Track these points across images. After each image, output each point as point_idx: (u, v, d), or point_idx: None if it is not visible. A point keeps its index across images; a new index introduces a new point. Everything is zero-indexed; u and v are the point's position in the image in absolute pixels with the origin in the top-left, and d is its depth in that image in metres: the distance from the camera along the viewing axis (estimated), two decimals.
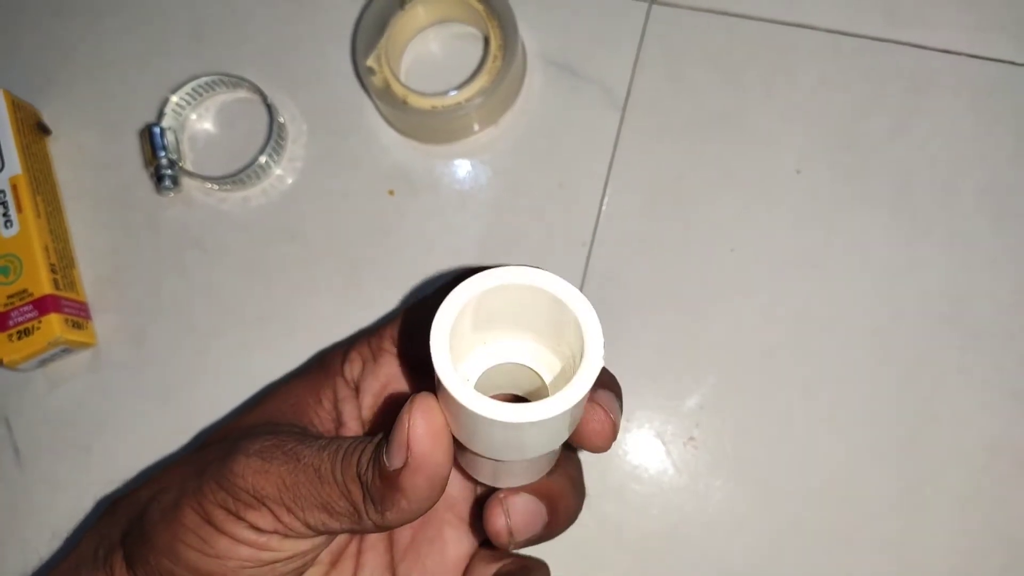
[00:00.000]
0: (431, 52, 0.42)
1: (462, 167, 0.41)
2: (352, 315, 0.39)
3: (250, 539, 0.24)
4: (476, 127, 0.40)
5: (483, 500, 0.27)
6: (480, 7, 0.39)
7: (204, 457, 0.26)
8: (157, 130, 0.40)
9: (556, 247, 0.39)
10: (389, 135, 0.41)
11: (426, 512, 0.23)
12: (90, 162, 0.43)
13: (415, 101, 0.38)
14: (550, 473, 0.27)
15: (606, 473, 0.37)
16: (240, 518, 0.24)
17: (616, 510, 0.37)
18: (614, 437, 0.25)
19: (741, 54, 0.40)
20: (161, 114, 0.41)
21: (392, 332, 0.30)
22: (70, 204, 0.42)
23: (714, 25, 0.40)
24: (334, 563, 0.30)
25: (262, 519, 0.24)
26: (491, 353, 0.24)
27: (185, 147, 0.42)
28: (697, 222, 0.39)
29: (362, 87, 0.41)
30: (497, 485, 0.27)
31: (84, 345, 0.40)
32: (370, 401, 0.30)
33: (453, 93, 0.38)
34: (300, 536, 0.24)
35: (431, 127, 0.40)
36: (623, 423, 0.37)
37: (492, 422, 0.20)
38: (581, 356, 0.21)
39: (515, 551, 0.29)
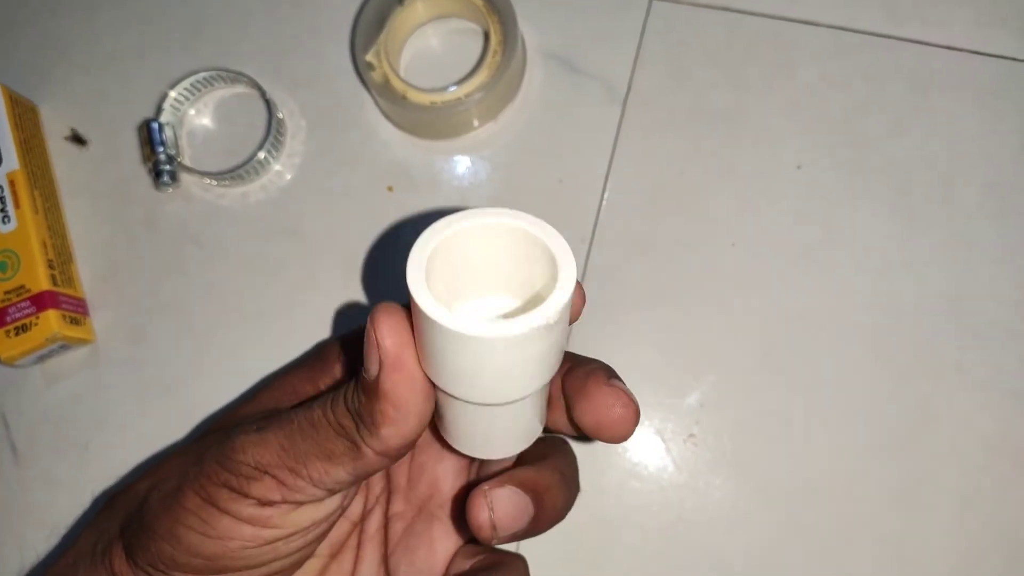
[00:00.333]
0: (431, 47, 0.42)
1: (462, 163, 0.40)
2: (350, 311, 0.39)
3: (252, 516, 0.24)
4: (476, 123, 0.40)
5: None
6: (480, 2, 0.39)
7: (203, 445, 0.26)
8: (155, 125, 0.40)
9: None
10: (388, 131, 0.41)
11: (419, 428, 0.23)
12: (88, 158, 0.42)
13: (415, 97, 0.38)
14: (538, 465, 0.27)
15: (606, 470, 0.37)
16: (244, 494, 0.24)
17: (616, 507, 0.37)
18: (637, 421, 0.24)
19: (742, 50, 0.40)
20: (159, 109, 0.41)
21: (332, 351, 0.30)
22: (68, 200, 0.42)
23: (715, 21, 0.40)
24: (334, 555, 0.30)
25: (266, 488, 0.24)
26: (471, 309, 0.24)
27: (183, 143, 0.42)
28: (697, 218, 0.39)
29: (361, 82, 0.41)
30: (481, 454, 0.26)
31: (82, 341, 0.40)
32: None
33: (453, 89, 0.38)
34: (307, 499, 0.24)
35: (431, 123, 0.39)
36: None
37: (467, 339, 0.20)
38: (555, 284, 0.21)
39: (500, 546, 0.29)
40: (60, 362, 0.40)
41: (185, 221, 0.41)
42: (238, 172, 0.40)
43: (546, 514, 0.26)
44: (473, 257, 0.23)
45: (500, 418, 0.24)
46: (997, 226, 0.37)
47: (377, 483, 0.31)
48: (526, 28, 0.40)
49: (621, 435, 0.25)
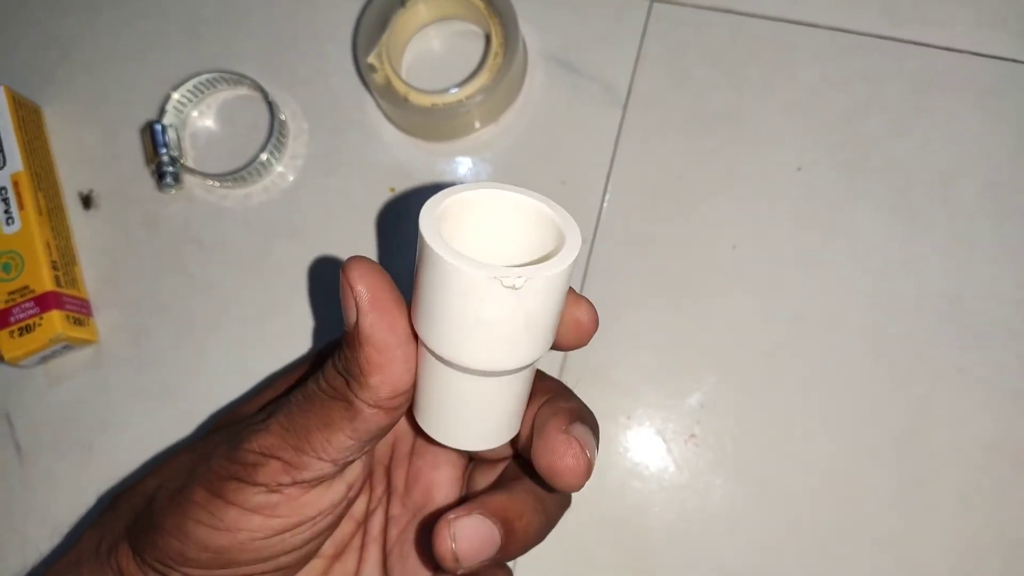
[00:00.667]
0: (432, 49, 0.42)
1: (463, 164, 0.41)
2: None
3: (260, 504, 0.24)
4: (477, 124, 0.40)
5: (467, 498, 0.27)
6: (481, 4, 0.39)
7: (210, 442, 0.27)
8: (158, 127, 0.40)
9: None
10: (390, 132, 0.41)
11: (406, 373, 0.23)
12: (91, 159, 0.43)
13: (416, 98, 0.38)
14: (514, 487, 0.26)
15: (607, 471, 0.37)
16: (252, 483, 0.24)
17: (617, 507, 0.37)
18: (588, 475, 0.24)
19: (742, 51, 0.40)
20: (162, 111, 0.41)
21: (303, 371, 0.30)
22: (71, 201, 0.42)
23: (715, 22, 0.40)
24: (338, 555, 0.30)
25: (273, 472, 0.24)
26: None
27: (186, 144, 0.42)
28: (698, 219, 0.39)
29: (363, 84, 0.41)
30: (456, 442, 0.25)
31: (85, 342, 0.40)
32: None
33: (454, 90, 0.38)
34: (315, 475, 0.24)
35: (432, 124, 0.40)
36: (623, 420, 0.37)
37: (464, 277, 0.20)
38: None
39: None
40: (63, 362, 0.41)
41: (188, 222, 0.41)
42: (240, 174, 0.40)
43: (516, 542, 0.25)
44: (483, 224, 0.23)
45: (480, 395, 0.24)
46: (997, 226, 0.38)
47: (380, 483, 0.31)
48: (527, 30, 0.41)
49: (569, 485, 0.24)
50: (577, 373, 0.38)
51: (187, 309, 0.40)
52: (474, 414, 0.24)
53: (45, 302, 0.38)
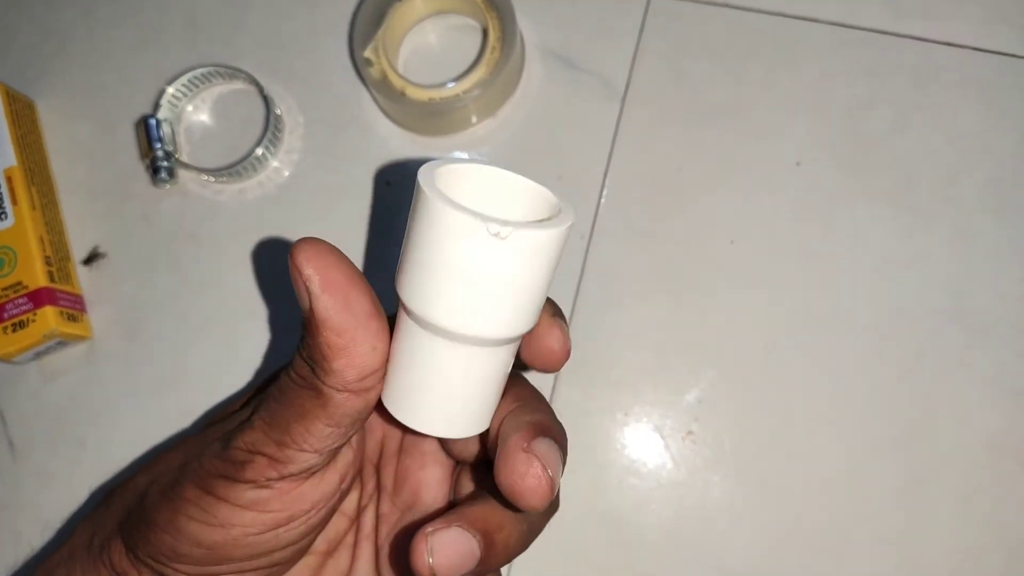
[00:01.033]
0: (429, 43, 0.42)
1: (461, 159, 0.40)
2: None
3: (252, 500, 0.24)
4: (474, 119, 0.40)
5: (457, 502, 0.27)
6: None
7: (201, 439, 0.26)
8: (153, 122, 0.40)
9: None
10: (387, 127, 0.41)
11: (370, 352, 0.22)
12: (85, 154, 0.42)
13: (413, 93, 0.38)
14: (490, 498, 0.25)
15: (605, 467, 0.37)
16: (242, 480, 0.24)
17: (614, 504, 0.37)
18: (550, 495, 0.23)
19: (741, 46, 0.40)
20: (157, 105, 0.41)
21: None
22: (65, 196, 0.42)
23: (714, 17, 0.40)
24: (331, 552, 0.30)
25: (259, 468, 0.24)
26: None
27: (181, 139, 0.42)
28: (696, 214, 0.39)
29: (360, 79, 0.41)
30: (427, 427, 0.24)
31: (79, 338, 0.40)
32: None
33: (451, 85, 0.38)
34: (301, 467, 0.24)
35: (429, 119, 0.39)
36: (621, 417, 0.37)
37: (431, 206, 0.20)
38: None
39: None
40: (57, 358, 0.40)
41: (182, 217, 0.41)
42: (236, 168, 0.40)
43: (496, 554, 0.24)
44: (478, 200, 0.23)
45: (449, 366, 0.23)
46: (999, 222, 0.37)
47: (370, 480, 0.30)
48: (524, 24, 0.40)
49: (530, 506, 0.23)
50: (574, 369, 0.37)
51: (181, 304, 0.40)
52: (441, 390, 0.23)
53: (39, 298, 0.38)
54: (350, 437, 0.25)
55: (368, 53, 0.39)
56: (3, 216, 0.39)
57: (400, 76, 0.38)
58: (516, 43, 0.38)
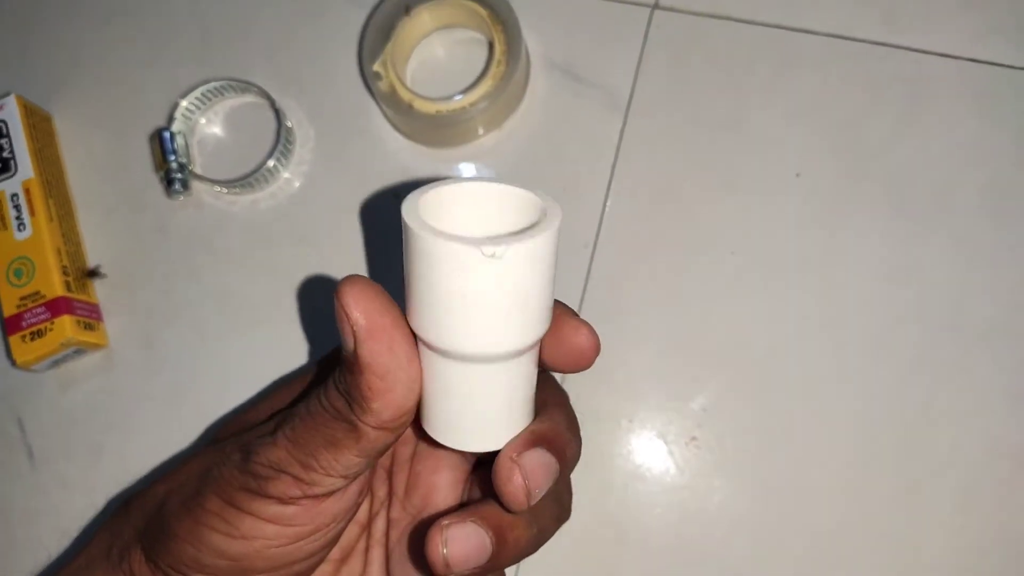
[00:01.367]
0: (436, 57, 0.42)
1: (467, 171, 0.41)
2: None
3: (275, 515, 0.24)
4: (481, 131, 0.41)
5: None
6: (484, 12, 0.40)
7: (221, 450, 0.27)
8: (167, 134, 0.41)
9: (559, 249, 0.39)
10: (395, 139, 0.41)
11: (409, 394, 0.23)
12: (101, 166, 0.43)
13: (420, 106, 0.39)
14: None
15: (609, 472, 0.37)
16: (264, 495, 0.24)
17: (619, 509, 0.37)
18: (526, 503, 0.24)
19: (742, 59, 0.40)
20: (171, 118, 0.42)
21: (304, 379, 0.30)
22: (82, 208, 0.43)
23: (716, 30, 0.41)
24: (344, 559, 0.30)
25: (284, 486, 0.24)
26: None
27: (195, 151, 0.43)
28: (699, 225, 0.39)
29: (368, 92, 0.42)
30: (463, 443, 0.25)
31: (96, 346, 0.40)
32: None
33: (458, 97, 0.39)
34: (324, 490, 0.24)
35: (436, 131, 0.40)
36: (625, 424, 0.37)
37: (423, 242, 0.20)
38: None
39: None
40: (74, 367, 0.41)
41: (196, 228, 0.42)
42: (248, 180, 0.41)
43: (507, 552, 0.25)
44: (464, 219, 0.23)
45: (473, 385, 0.24)
46: (996, 231, 0.38)
47: (381, 487, 0.31)
48: (530, 38, 0.41)
49: (510, 507, 0.24)
50: (580, 376, 0.38)
51: (196, 313, 0.41)
52: (469, 409, 0.24)
53: (56, 307, 0.39)
54: (374, 464, 0.25)
55: (377, 67, 0.40)
56: (21, 227, 0.40)
57: (408, 89, 0.39)
58: (521, 56, 0.39)
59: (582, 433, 0.28)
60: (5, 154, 0.41)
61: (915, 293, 0.38)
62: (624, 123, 0.40)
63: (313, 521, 0.25)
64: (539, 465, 0.24)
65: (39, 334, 0.39)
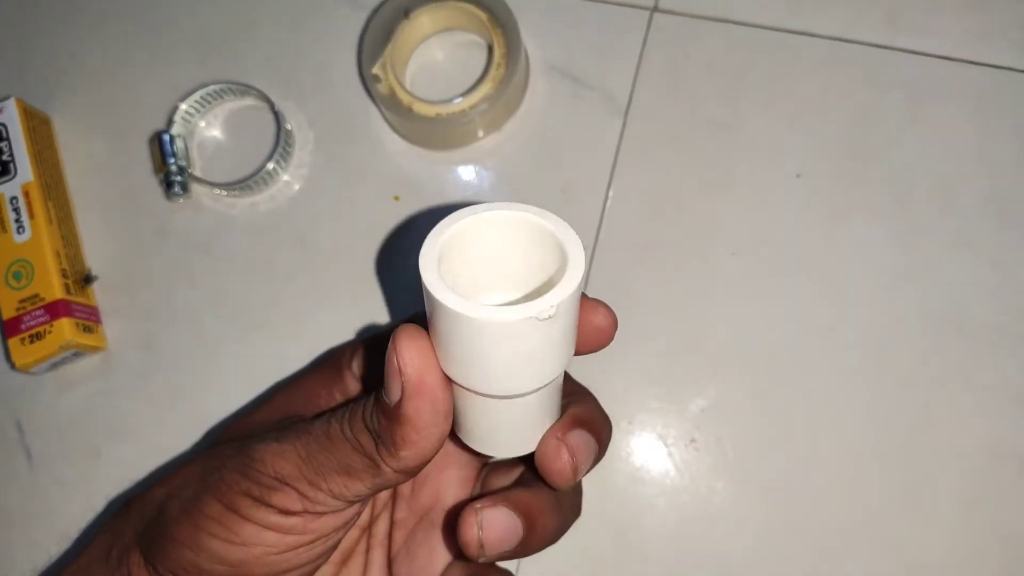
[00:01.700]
0: (436, 60, 0.42)
1: (466, 173, 0.41)
2: (359, 319, 0.40)
3: (276, 523, 0.24)
4: (480, 134, 0.41)
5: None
6: (484, 16, 0.40)
7: (221, 453, 0.27)
8: (167, 137, 0.41)
9: None
10: (395, 142, 0.41)
11: (438, 447, 0.23)
12: (100, 169, 0.43)
13: (420, 108, 0.39)
14: (536, 487, 0.27)
15: (609, 475, 0.37)
16: (266, 504, 0.24)
17: (618, 511, 0.37)
18: (574, 478, 0.25)
19: (742, 61, 0.40)
20: (170, 121, 0.42)
21: (354, 353, 0.30)
22: (81, 210, 0.43)
23: (715, 33, 0.41)
24: (344, 562, 0.30)
25: (288, 500, 0.24)
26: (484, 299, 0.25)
27: (194, 154, 0.43)
28: (698, 227, 0.39)
29: (368, 95, 0.42)
30: (490, 451, 0.26)
31: (95, 349, 0.40)
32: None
33: (458, 100, 0.39)
34: (327, 510, 0.25)
35: (436, 134, 0.40)
36: (625, 426, 0.37)
37: (463, 320, 0.20)
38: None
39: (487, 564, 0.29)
40: (73, 369, 0.41)
41: (195, 231, 0.42)
42: (247, 183, 0.41)
43: (536, 538, 0.26)
44: (485, 249, 0.23)
45: (508, 413, 0.25)
46: (997, 233, 0.38)
47: (384, 491, 0.31)
48: (529, 41, 0.41)
49: (557, 485, 0.25)
50: (579, 378, 0.38)
51: (195, 316, 0.41)
52: (508, 427, 0.25)
53: (55, 310, 0.39)
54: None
55: (376, 70, 0.40)
56: (21, 230, 0.40)
57: (408, 92, 0.39)
58: (521, 59, 0.39)
59: None
60: (4, 157, 0.41)
61: (915, 294, 0.38)
62: (623, 125, 0.40)
63: (314, 532, 0.25)
64: (582, 444, 0.26)
65: (38, 337, 0.39)
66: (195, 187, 0.42)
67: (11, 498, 0.40)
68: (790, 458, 0.37)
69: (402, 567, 0.30)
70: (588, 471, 0.27)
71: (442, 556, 0.30)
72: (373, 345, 0.31)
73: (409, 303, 0.40)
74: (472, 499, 0.26)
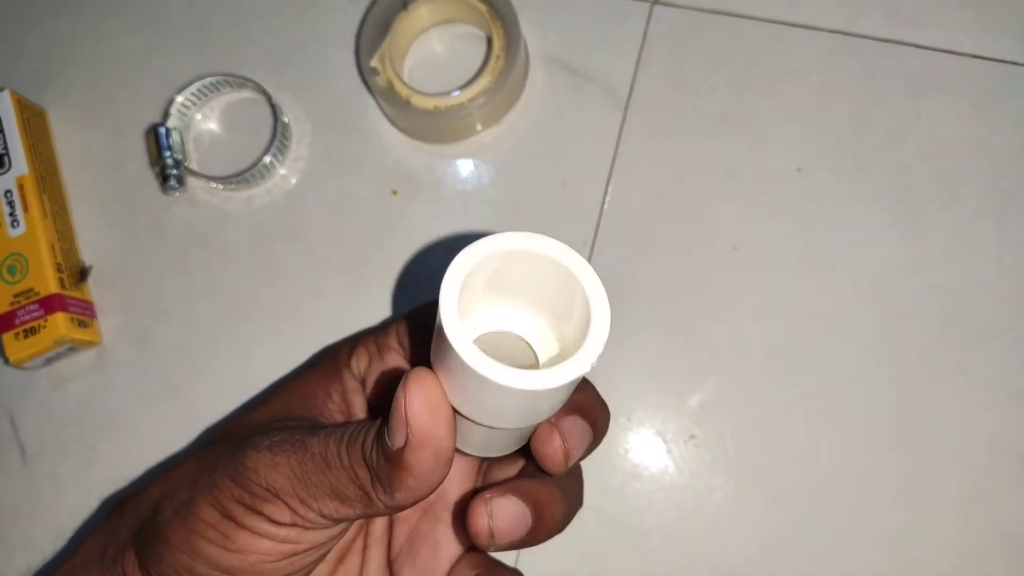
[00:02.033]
0: (434, 52, 0.42)
1: (465, 167, 0.41)
2: (355, 314, 0.39)
3: (270, 532, 0.24)
4: (479, 127, 0.40)
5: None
6: (483, 7, 0.39)
7: (215, 453, 0.27)
8: (163, 130, 0.41)
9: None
10: (392, 135, 0.41)
11: (436, 489, 0.23)
12: (96, 162, 0.43)
13: (418, 101, 0.39)
14: (542, 477, 0.27)
15: (607, 471, 0.37)
16: (258, 512, 0.24)
17: (617, 508, 0.37)
18: (564, 463, 0.25)
19: (743, 54, 0.40)
20: (166, 114, 0.41)
21: (398, 329, 0.30)
22: (76, 204, 0.43)
23: (716, 25, 0.40)
24: (341, 559, 0.30)
25: (278, 512, 0.24)
26: (494, 318, 0.25)
27: (190, 147, 0.42)
28: (699, 221, 0.39)
29: (366, 87, 0.41)
30: (479, 453, 0.27)
31: (89, 344, 0.40)
32: (376, 395, 0.30)
33: (456, 93, 0.38)
34: (317, 527, 0.25)
35: (434, 127, 0.40)
36: (624, 422, 0.37)
37: (488, 383, 0.20)
38: (584, 339, 0.21)
39: (499, 556, 0.29)
40: (68, 364, 0.41)
41: (191, 225, 0.41)
42: (244, 176, 0.40)
43: (544, 526, 0.26)
44: (511, 277, 0.23)
45: (509, 435, 0.25)
46: (998, 228, 0.38)
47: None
48: (529, 33, 0.41)
49: (549, 469, 0.26)
50: None
51: (191, 311, 0.41)
52: (510, 443, 0.26)
53: (50, 304, 0.39)
54: None
55: (374, 62, 0.39)
56: (15, 224, 0.40)
57: (406, 85, 0.39)
58: (520, 51, 0.39)
59: None
60: None
61: (917, 290, 0.37)
62: (624, 118, 0.40)
63: (308, 542, 0.25)
64: (575, 430, 0.26)
65: (32, 331, 0.38)
66: (191, 181, 0.41)
67: (5, 494, 0.40)
68: (789, 454, 0.37)
69: (405, 563, 0.30)
70: (582, 457, 0.27)
71: (446, 551, 0.30)
72: (368, 338, 0.31)
73: (407, 299, 0.40)
74: (479, 490, 0.26)
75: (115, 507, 0.29)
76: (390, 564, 0.30)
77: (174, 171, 0.40)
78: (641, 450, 0.37)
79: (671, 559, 0.37)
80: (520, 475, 0.29)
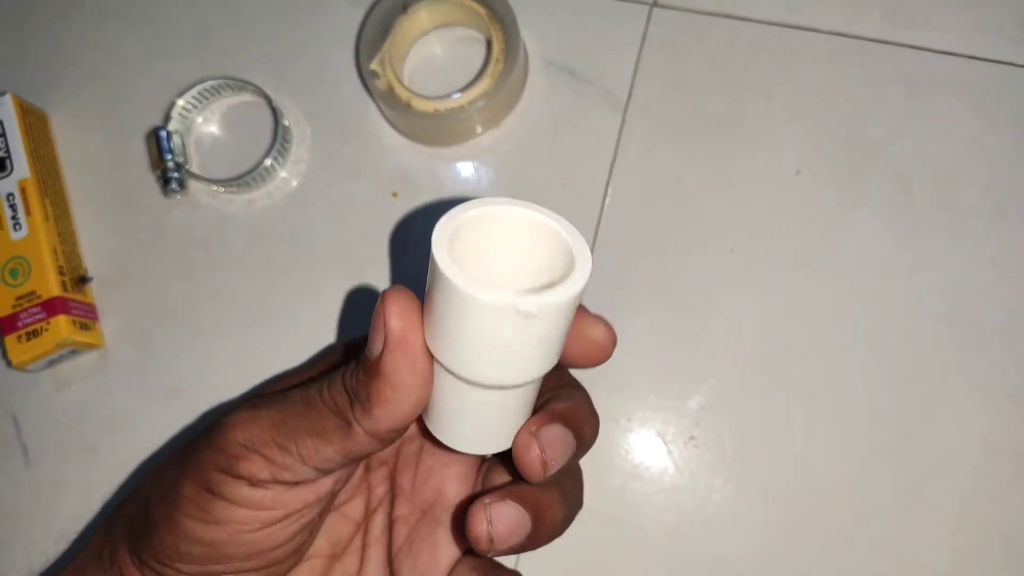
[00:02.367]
0: (434, 55, 0.42)
1: (465, 169, 0.41)
2: (355, 316, 0.40)
3: (245, 498, 0.24)
4: (479, 129, 0.41)
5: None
6: (483, 11, 0.40)
7: (201, 434, 0.27)
8: (164, 133, 0.41)
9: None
10: (392, 138, 0.41)
11: (412, 412, 0.23)
12: (97, 165, 0.43)
13: (418, 104, 0.39)
14: (541, 484, 0.27)
15: (607, 472, 0.37)
16: (234, 475, 0.24)
17: (617, 509, 0.37)
18: (542, 473, 0.25)
19: (741, 56, 0.40)
20: (167, 117, 0.42)
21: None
22: (77, 207, 0.43)
23: (715, 28, 0.41)
24: (337, 556, 0.30)
25: (254, 467, 0.24)
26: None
27: (191, 150, 0.43)
28: (697, 223, 0.39)
29: (366, 90, 0.42)
30: (464, 447, 0.27)
31: (91, 346, 0.40)
32: None
33: (456, 96, 0.39)
34: (296, 478, 0.25)
35: (434, 130, 0.40)
36: (624, 423, 0.37)
37: (477, 304, 0.20)
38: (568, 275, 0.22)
39: (499, 560, 0.29)
40: (70, 366, 0.41)
41: (193, 227, 0.42)
42: (245, 179, 0.41)
43: (544, 531, 0.26)
44: (494, 242, 0.23)
45: (490, 405, 0.25)
46: (996, 230, 0.38)
47: (380, 484, 0.31)
48: (528, 36, 0.41)
49: (528, 477, 0.25)
50: (578, 376, 0.38)
51: (192, 313, 0.41)
52: (484, 422, 0.26)
53: (52, 307, 0.39)
54: (348, 465, 0.26)
55: (374, 65, 0.40)
56: (17, 227, 0.40)
57: (406, 88, 0.39)
58: (520, 54, 0.39)
59: None
60: (1, 153, 0.41)
61: (914, 290, 0.37)
62: (623, 121, 0.40)
63: (284, 507, 0.25)
64: (556, 439, 0.25)
65: (35, 334, 0.39)
66: (192, 184, 0.42)
67: (8, 496, 0.40)
68: (789, 455, 0.37)
69: (405, 563, 0.30)
70: (564, 467, 0.27)
71: (446, 553, 0.30)
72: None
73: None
74: (478, 495, 0.26)
75: (115, 508, 0.29)
76: (390, 564, 0.30)
77: (175, 174, 0.41)
78: (641, 451, 0.37)
79: (671, 559, 0.37)
80: (519, 479, 0.29)
